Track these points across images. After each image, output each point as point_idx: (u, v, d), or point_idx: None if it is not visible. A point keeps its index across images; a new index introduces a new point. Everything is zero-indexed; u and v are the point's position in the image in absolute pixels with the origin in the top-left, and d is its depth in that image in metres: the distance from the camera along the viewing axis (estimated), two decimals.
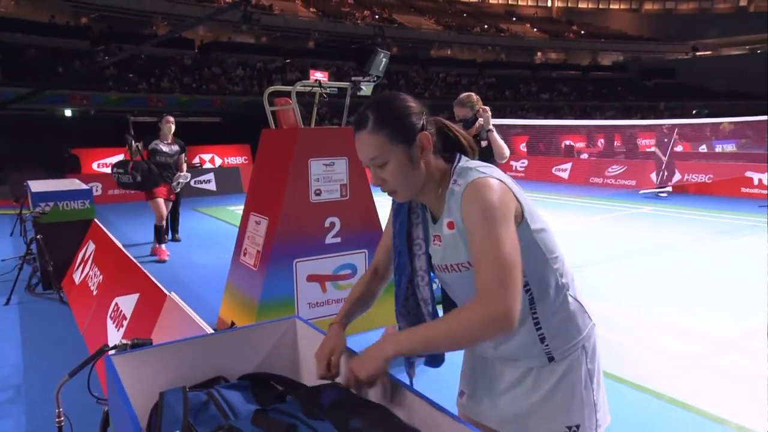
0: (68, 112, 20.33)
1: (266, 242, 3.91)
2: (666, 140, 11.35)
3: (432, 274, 1.43)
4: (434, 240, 1.38)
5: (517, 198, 1.26)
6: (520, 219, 1.26)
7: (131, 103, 21.22)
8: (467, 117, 3.97)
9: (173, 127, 6.86)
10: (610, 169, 13.83)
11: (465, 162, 1.32)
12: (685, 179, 11.94)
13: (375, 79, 4.09)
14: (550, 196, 11.93)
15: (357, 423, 1.12)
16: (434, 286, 1.46)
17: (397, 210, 1.45)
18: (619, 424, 2.79)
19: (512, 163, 16.42)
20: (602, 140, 23.16)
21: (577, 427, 1.35)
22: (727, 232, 7.89)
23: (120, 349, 1.66)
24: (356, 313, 1.51)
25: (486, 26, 41.18)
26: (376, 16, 36.60)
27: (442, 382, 1.88)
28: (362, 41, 34.10)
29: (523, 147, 19.81)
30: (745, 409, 2.99)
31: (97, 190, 11.65)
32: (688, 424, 2.86)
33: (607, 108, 34.93)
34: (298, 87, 3.99)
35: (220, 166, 15.53)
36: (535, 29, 43.78)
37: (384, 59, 4.03)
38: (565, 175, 14.78)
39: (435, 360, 1.44)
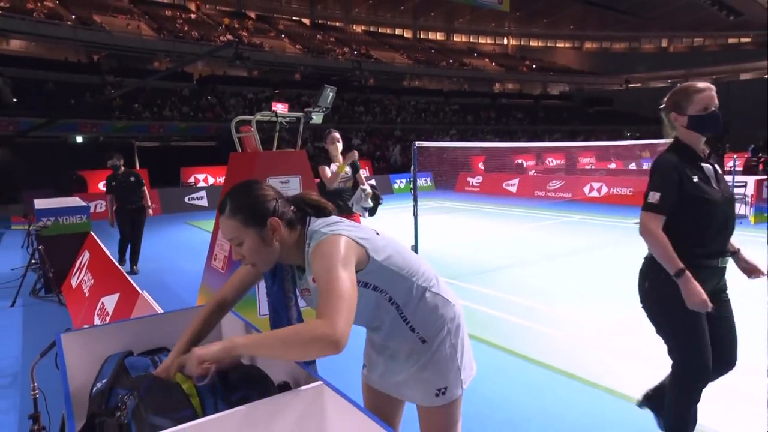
0: (79, 139, 20.22)
1: (231, 248, 4.08)
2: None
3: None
4: (302, 293, 1.52)
5: (359, 243, 1.37)
6: (366, 259, 1.39)
7: (135, 130, 21.12)
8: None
9: (118, 163, 6.54)
10: (550, 184, 14.20)
11: (313, 224, 1.42)
12: (611, 192, 12.36)
13: (324, 110, 4.30)
14: (500, 208, 12.24)
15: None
16: None
17: (264, 273, 1.55)
18: (551, 412, 3.00)
19: (469, 179, 16.77)
20: (550, 158, 23.76)
21: (446, 388, 1.56)
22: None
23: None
24: (194, 344, 1.49)
25: (451, 61, 41.79)
26: (355, 52, 36.96)
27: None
28: (342, 74, 34.42)
29: (480, 165, 20.18)
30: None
31: (101, 207, 11.66)
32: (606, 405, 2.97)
33: (556, 131, 35.60)
34: (258, 117, 4.19)
35: (212, 184, 15.59)
36: (493, 63, 44.56)
37: (331, 93, 4.25)
38: (513, 189, 15.13)
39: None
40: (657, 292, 2.18)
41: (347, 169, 4.37)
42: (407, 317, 1.51)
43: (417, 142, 5.21)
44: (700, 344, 2.09)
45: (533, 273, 5.96)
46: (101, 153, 17.42)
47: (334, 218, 1.47)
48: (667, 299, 2.11)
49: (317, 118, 4.32)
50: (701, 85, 2.13)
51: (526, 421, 2.77)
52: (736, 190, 9.32)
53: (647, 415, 2.57)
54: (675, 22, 44.46)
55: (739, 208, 9.30)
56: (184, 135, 23.05)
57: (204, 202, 13.33)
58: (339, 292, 1.23)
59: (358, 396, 1.66)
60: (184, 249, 8.01)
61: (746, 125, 31.74)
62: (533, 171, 19.04)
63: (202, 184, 15.49)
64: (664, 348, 2.27)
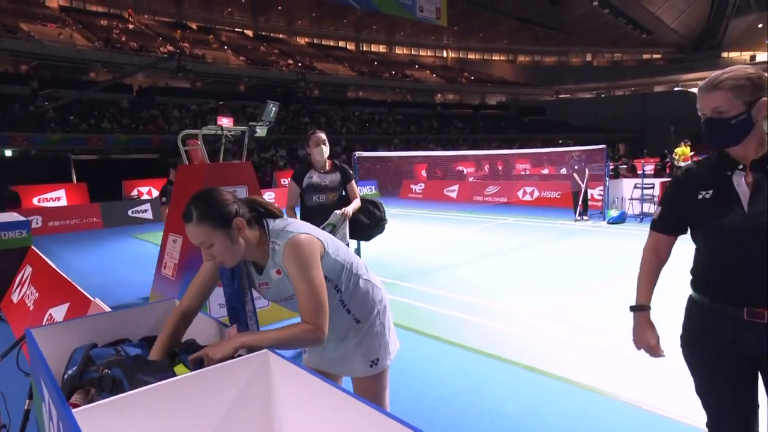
0: (8, 152, 19.12)
1: (181, 256, 4.20)
2: (578, 167, 10.03)
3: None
4: (261, 285, 1.71)
5: (318, 238, 1.62)
6: (324, 250, 1.63)
7: (72, 143, 20.21)
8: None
9: None
10: (488, 189, 14.88)
11: (273, 224, 1.63)
12: (542, 195, 13.15)
13: (267, 123, 4.51)
14: (441, 213, 12.73)
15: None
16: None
17: (223, 271, 1.72)
18: (518, 406, 3.33)
19: (412, 186, 17.26)
20: (487, 166, 24.73)
21: (378, 359, 1.84)
22: (566, 234, 8.92)
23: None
24: (167, 352, 1.64)
25: (393, 72, 42.61)
26: (299, 64, 36.96)
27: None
28: (287, 85, 34.32)
29: (423, 173, 20.77)
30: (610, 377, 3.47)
31: (37, 223, 11.18)
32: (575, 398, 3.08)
33: (494, 139, 37.03)
34: (204, 131, 4.34)
35: (156, 197, 15.24)
36: (434, 75, 45.80)
37: (274, 108, 4.47)
38: (454, 195, 15.70)
39: None
40: (682, 333, 1.71)
41: (334, 176, 3.56)
42: (345, 302, 1.76)
43: (357, 153, 5.50)
44: (714, 413, 1.61)
45: (468, 271, 6.37)
46: (34, 167, 16.64)
47: (288, 219, 1.67)
48: (682, 345, 1.70)
49: (261, 131, 4.52)
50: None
51: (454, 396, 3.10)
52: (645, 191, 10.26)
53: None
54: (597, 38, 47.63)
55: (649, 208, 10.24)
56: (126, 147, 22.28)
57: (149, 215, 13.03)
58: (319, 297, 1.51)
59: None
60: (131, 261, 7.90)
61: (659, 132, 34.48)
62: (472, 177, 19.79)
63: (145, 196, 15.10)
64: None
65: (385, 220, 3.65)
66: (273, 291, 1.68)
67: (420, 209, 13.71)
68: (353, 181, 3.62)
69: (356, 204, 3.55)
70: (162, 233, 4.87)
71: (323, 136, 3.57)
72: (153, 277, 4.70)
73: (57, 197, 13.93)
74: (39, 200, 13.49)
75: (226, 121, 4.86)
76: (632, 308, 1.75)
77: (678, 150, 13.62)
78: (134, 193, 15.29)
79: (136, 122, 23.86)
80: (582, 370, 3.39)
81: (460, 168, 21.47)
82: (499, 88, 48.49)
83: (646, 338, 1.71)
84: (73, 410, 1.10)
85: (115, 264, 7.77)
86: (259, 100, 29.64)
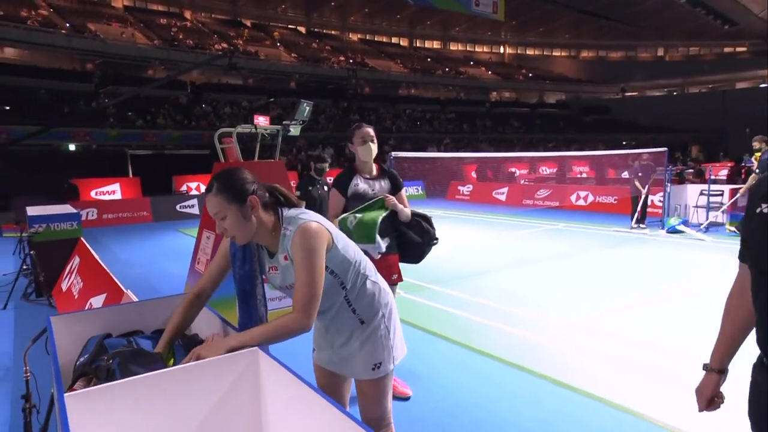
0: (72, 147, 20.54)
1: (213, 252, 4.41)
2: (642, 173, 9.49)
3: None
4: (270, 270, 1.79)
5: (329, 230, 1.70)
6: (332, 243, 1.71)
7: (129, 138, 21.40)
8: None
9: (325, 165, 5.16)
10: (538, 193, 14.56)
11: (288, 212, 1.72)
12: (597, 200, 12.71)
13: (301, 122, 4.64)
14: (487, 216, 12.58)
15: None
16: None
17: (235, 253, 1.82)
18: (539, 419, 3.30)
19: (460, 187, 17.14)
20: (544, 167, 24.10)
21: (380, 363, 1.89)
22: (618, 242, 8.59)
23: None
24: (180, 333, 1.81)
25: (447, 69, 42.38)
26: (351, 61, 37.50)
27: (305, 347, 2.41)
28: (338, 82, 34.91)
29: (473, 174, 20.57)
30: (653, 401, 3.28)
31: (92, 215, 11.97)
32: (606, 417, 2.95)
33: (552, 140, 36.06)
34: (239, 129, 4.53)
35: (203, 193, 15.92)
36: (489, 72, 45.17)
37: (307, 107, 4.60)
38: (503, 197, 15.48)
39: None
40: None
41: (383, 183, 3.06)
42: (351, 301, 1.82)
43: (394, 153, 5.55)
44: None
45: (508, 278, 6.28)
46: (94, 161, 17.81)
47: (304, 209, 1.76)
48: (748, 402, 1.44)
49: (295, 130, 4.66)
50: None
51: (473, 406, 3.09)
52: (712, 199, 9.70)
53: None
54: (670, 31, 45.17)
55: (716, 216, 9.68)
56: (178, 143, 23.35)
57: (195, 210, 13.64)
58: (315, 286, 1.59)
59: (310, 374, 1.98)
60: (173, 255, 8.32)
61: (742, 133, 32.22)
62: (524, 180, 19.39)
63: (194, 192, 15.80)
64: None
65: (437, 239, 3.13)
66: (280, 277, 1.76)
67: (466, 211, 13.62)
68: (403, 191, 3.15)
69: (407, 214, 3.02)
70: None
71: (371, 130, 3.02)
72: (188, 269, 4.95)
73: (112, 191, 14.84)
74: (96, 193, 14.43)
75: (262, 120, 5.05)
76: (705, 367, 1.52)
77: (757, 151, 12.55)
78: (183, 188, 16.03)
79: (188, 118, 25.03)
80: (615, 387, 3.28)
81: (512, 169, 21.08)
82: (559, 85, 47.13)
83: (701, 387, 1.51)
84: (65, 395, 1.21)
85: (158, 257, 8.21)
86: (310, 97, 30.29)
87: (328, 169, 4.75)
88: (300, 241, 1.61)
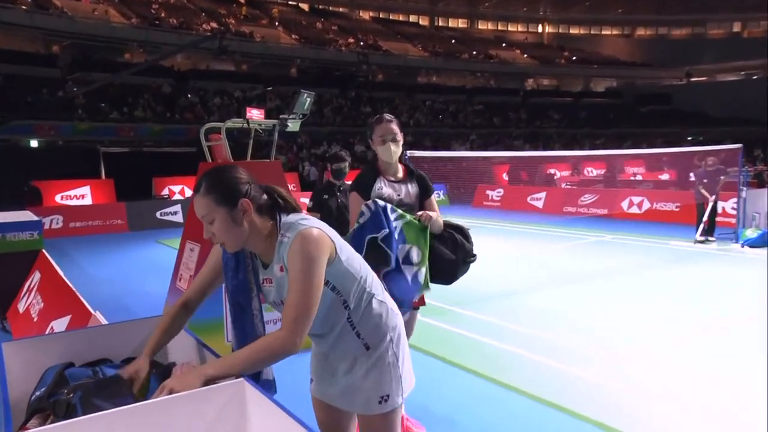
0: (34, 143, 20.85)
1: (197, 267, 4.46)
2: (708, 180, 9.49)
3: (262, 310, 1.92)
4: (264, 282, 1.84)
5: (331, 239, 1.74)
6: (335, 254, 1.74)
7: (101, 133, 21.75)
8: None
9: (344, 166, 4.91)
10: (583, 198, 14.51)
11: (286, 217, 1.76)
12: (654, 207, 12.61)
13: (300, 116, 4.70)
14: (520, 226, 12.54)
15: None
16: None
17: (227, 261, 1.86)
18: None
19: (488, 192, 17.13)
20: (589, 168, 23.94)
21: (388, 396, 1.91)
22: (680, 258, 8.48)
23: None
24: (163, 344, 1.88)
25: (475, 52, 42.51)
26: (361, 43, 37.79)
27: (303, 374, 2.43)
28: (346, 68, 35.20)
29: (504, 176, 20.55)
30: None
31: (57, 223, 12.16)
32: None
33: (599, 135, 35.93)
34: (229, 124, 4.60)
35: (189, 197, 16.10)
36: (525, 55, 45.20)
37: (308, 99, 4.66)
38: (540, 204, 15.45)
39: (268, 388, 1.91)
40: None
41: (410, 187, 3.04)
42: (354, 323, 1.84)
43: (409, 152, 5.58)
44: None
45: (543, 299, 6.26)
46: (60, 160, 18.08)
47: (304, 214, 1.80)
48: None
49: (293, 125, 4.71)
50: None
51: None
52: None
53: None
54: (749, 1, 43.70)
55: None
56: (159, 139, 23.69)
57: (179, 218, 13.79)
58: (309, 302, 1.63)
59: (307, 410, 2.00)
60: (151, 270, 8.42)
61: None
62: (566, 183, 19.32)
63: (177, 197, 15.98)
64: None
65: (475, 255, 3.05)
66: (275, 290, 1.80)
67: (496, 220, 13.62)
68: (434, 196, 3.07)
69: (439, 224, 2.95)
70: None
71: (393, 126, 2.98)
72: (168, 287, 5.01)
73: (81, 194, 15.07)
74: (62, 198, 14.67)
75: (256, 113, 5.10)
76: None
77: None
78: (165, 192, 16.24)
79: (172, 111, 25.40)
80: (669, 430, 3.25)
81: (552, 171, 21.01)
82: (609, 70, 46.91)
83: None
84: None
85: (134, 272, 8.32)
86: (313, 85, 30.65)
87: (348, 170, 4.48)
88: (298, 248, 1.65)
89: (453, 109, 35.53)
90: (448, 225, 3.02)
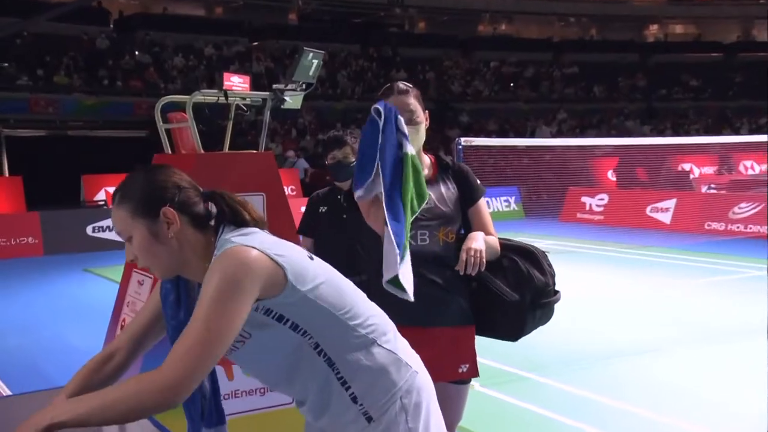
0: None
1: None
2: None
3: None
4: None
5: (279, 264, 1.79)
6: (284, 283, 1.79)
7: (4, 108, 22.06)
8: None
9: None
10: (737, 208, 14.34)
11: (227, 233, 1.86)
12: None
13: (303, 86, 4.81)
14: (636, 250, 12.47)
15: None
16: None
17: (166, 294, 2.00)
18: None
19: (585, 198, 17.01)
20: (750, 161, 23.50)
21: None
22: None
23: None
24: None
25: None
26: None
27: None
28: (370, 14, 35.35)
29: (610, 175, 20.39)
30: None
31: None
32: None
33: (762, 111, 35.36)
34: (197, 97, 4.73)
35: None
36: None
37: (315, 61, 4.75)
38: (666, 217, 15.32)
39: None
40: None
41: (445, 189, 3.04)
42: (345, 378, 1.89)
43: (463, 139, 5.70)
44: None
45: (672, 364, 6.25)
46: None
47: (254, 229, 1.91)
48: None
49: (294, 100, 4.83)
50: None
51: None
52: None
53: None
54: None
55: None
56: (91, 119, 23.99)
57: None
58: (209, 338, 1.68)
59: None
60: (78, 313, 8.57)
61: None
62: (708, 185, 19.05)
63: None
64: None
65: (558, 293, 3.00)
66: None
67: (596, 242, 13.53)
68: (483, 202, 3.07)
69: (494, 247, 2.95)
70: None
71: (412, 99, 3.01)
72: (104, 340, 5.14)
73: None
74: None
75: (238, 81, 5.23)
76: None
77: None
78: (99, 197, 16.47)
79: (111, 75, 25.79)
80: None
81: (685, 166, 20.78)
82: None
83: None
84: None
85: (51, 317, 8.51)
86: (322, 40, 30.61)
87: (353, 160, 4.01)
88: (217, 266, 1.75)
89: (531, 74, 35.48)
90: (507, 247, 2.99)
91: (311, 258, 1.97)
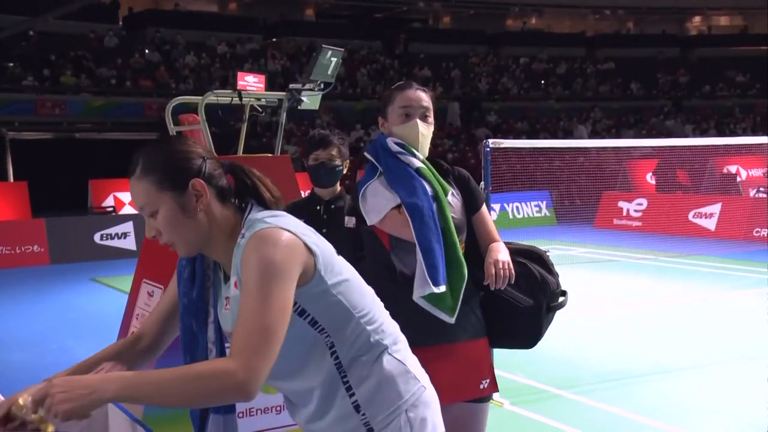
0: None
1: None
2: None
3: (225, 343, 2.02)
4: (226, 303, 1.96)
5: (310, 249, 1.82)
6: (313, 272, 1.82)
7: (8, 110, 22.24)
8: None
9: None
10: None
11: (256, 212, 1.88)
12: None
13: (321, 86, 4.84)
14: (677, 259, 12.40)
15: None
16: None
17: (180, 270, 2.03)
18: None
19: (622, 203, 16.93)
20: None
21: None
22: None
23: None
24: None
25: None
26: None
27: None
28: (393, 7, 35.46)
29: (649, 178, 20.28)
30: None
31: None
32: None
33: None
34: (210, 98, 4.77)
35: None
36: None
37: (334, 59, 4.78)
38: (711, 224, 15.25)
39: None
40: None
41: (450, 196, 3.01)
42: (351, 384, 1.89)
43: (491, 141, 5.67)
44: None
45: (718, 382, 6.21)
46: None
47: (283, 212, 1.92)
48: None
49: (311, 100, 4.85)
50: None
51: None
52: None
53: None
54: None
55: None
56: (99, 121, 24.15)
57: (130, 243, 14.10)
58: (269, 326, 1.67)
59: None
60: (85, 325, 8.64)
61: None
62: (758, 189, 18.90)
63: (127, 210, 16.18)
64: None
65: (565, 294, 3.05)
66: (231, 316, 1.89)
67: (634, 250, 13.46)
68: (485, 210, 3.14)
69: (503, 255, 2.92)
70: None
71: (423, 95, 3.02)
72: None
73: None
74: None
75: (252, 80, 5.27)
76: None
77: None
78: (108, 203, 16.58)
79: (120, 75, 25.99)
80: None
81: (730, 168, 20.61)
82: None
83: None
84: None
85: (58, 329, 8.56)
86: (340, 36, 30.65)
87: (343, 168, 4.06)
88: (254, 251, 1.74)
89: (564, 71, 35.41)
90: (515, 250, 3.01)
91: (338, 253, 1.97)
